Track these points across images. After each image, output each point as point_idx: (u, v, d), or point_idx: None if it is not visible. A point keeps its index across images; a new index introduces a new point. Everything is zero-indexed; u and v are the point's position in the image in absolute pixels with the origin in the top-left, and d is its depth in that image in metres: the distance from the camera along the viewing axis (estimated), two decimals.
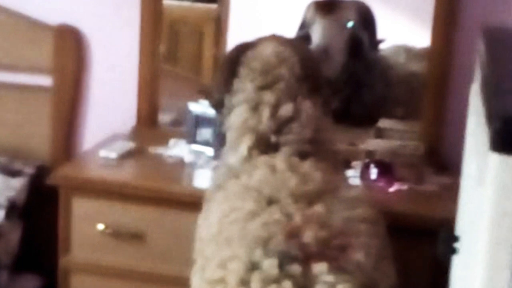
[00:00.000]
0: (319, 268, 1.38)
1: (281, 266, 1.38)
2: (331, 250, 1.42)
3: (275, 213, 1.52)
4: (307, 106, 1.82)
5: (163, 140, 2.50)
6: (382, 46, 2.64)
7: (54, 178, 2.27)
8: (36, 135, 2.67)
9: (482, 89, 1.22)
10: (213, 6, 2.84)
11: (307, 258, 1.39)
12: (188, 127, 2.43)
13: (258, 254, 1.41)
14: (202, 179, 2.16)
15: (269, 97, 1.81)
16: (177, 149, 2.44)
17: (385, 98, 2.63)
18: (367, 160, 2.34)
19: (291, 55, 1.87)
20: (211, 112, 2.22)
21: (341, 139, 2.26)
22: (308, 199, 1.58)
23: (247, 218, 1.54)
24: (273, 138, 1.77)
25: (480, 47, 1.46)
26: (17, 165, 2.55)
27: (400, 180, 2.26)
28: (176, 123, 2.71)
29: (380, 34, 2.60)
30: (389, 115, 2.60)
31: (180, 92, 2.83)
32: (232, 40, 2.55)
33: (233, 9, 2.73)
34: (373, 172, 2.28)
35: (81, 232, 2.25)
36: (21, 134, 2.68)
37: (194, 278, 1.61)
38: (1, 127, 2.69)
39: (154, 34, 2.62)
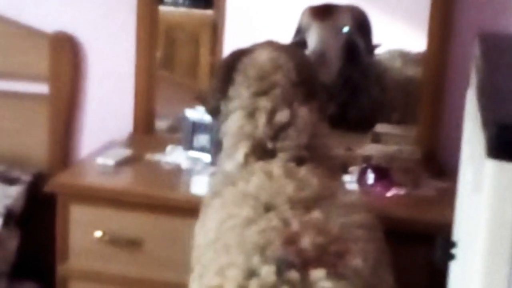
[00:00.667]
0: (317, 274, 1.38)
1: (279, 272, 1.38)
2: (329, 256, 1.42)
3: (272, 220, 1.52)
4: (303, 112, 1.82)
5: (160, 147, 2.50)
6: (377, 51, 2.64)
7: (51, 185, 2.27)
8: (33, 142, 2.67)
9: (478, 95, 1.22)
10: (209, 12, 2.84)
11: (305, 264, 1.39)
12: (185, 134, 2.43)
13: (256, 261, 1.41)
14: (199, 186, 2.16)
15: (265, 103, 1.81)
16: (174, 155, 2.44)
17: (381, 102, 2.64)
18: (364, 165, 2.34)
19: (286, 61, 1.87)
20: (207, 118, 2.23)
21: (337, 145, 2.26)
22: (305, 205, 1.58)
23: (244, 225, 1.54)
24: (269, 144, 1.78)
25: (476, 53, 1.46)
26: (14, 173, 2.55)
27: (397, 185, 2.26)
28: (173, 129, 2.71)
29: (375, 39, 2.61)
30: (386, 120, 2.60)
31: (176, 98, 2.83)
32: (228, 46, 2.55)
33: (229, 15, 2.73)
34: (370, 177, 2.28)
35: (79, 239, 2.25)
36: (18, 141, 2.68)
37: (192, 285, 1.61)
38: None
39: (150, 40, 2.62)
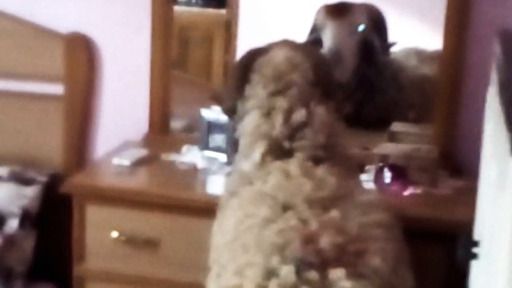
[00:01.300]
0: (337, 274, 1.37)
1: (298, 272, 1.37)
2: (348, 256, 1.41)
3: (290, 220, 1.52)
4: (320, 111, 1.81)
5: (175, 147, 2.50)
6: (393, 49, 2.63)
7: (67, 186, 2.27)
8: (49, 143, 2.67)
9: (500, 93, 1.21)
10: (223, 11, 2.84)
11: (324, 264, 1.38)
12: (201, 134, 2.42)
13: (275, 261, 1.41)
14: (215, 186, 2.16)
15: (281, 103, 1.80)
16: (190, 155, 2.44)
17: (397, 101, 2.62)
18: (380, 164, 2.32)
19: (303, 61, 1.87)
20: (223, 118, 2.22)
21: (354, 144, 2.25)
22: (323, 204, 1.57)
23: (263, 225, 1.53)
24: (286, 144, 1.77)
25: (496, 50, 1.45)
26: (30, 174, 2.56)
27: (414, 183, 2.25)
28: (188, 129, 2.71)
29: (391, 37, 2.59)
30: (402, 119, 2.59)
31: (190, 98, 2.82)
32: (242, 45, 2.55)
33: (243, 14, 2.72)
34: (387, 176, 2.27)
35: (95, 240, 2.25)
36: (33, 142, 2.69)
37: (209, 285, 1.61)
38: (14, 136, 2.70)
39: (165, 40, 2.62)
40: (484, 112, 1.74)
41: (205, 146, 2.40)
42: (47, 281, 2.56)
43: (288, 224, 1.50)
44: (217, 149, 2.37)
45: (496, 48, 1.45)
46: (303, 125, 1.78)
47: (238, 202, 1.70)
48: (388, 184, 2.25)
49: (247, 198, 1.68)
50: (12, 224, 2.39)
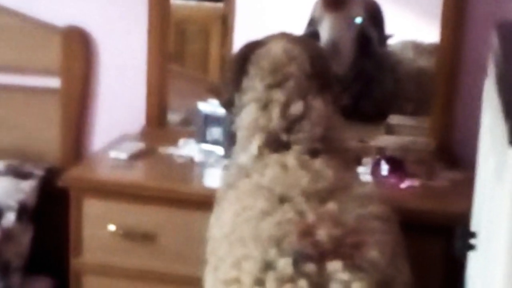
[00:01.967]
0: (334, 266, 1.37)
1: (295, 265, 1.37)
2: (345, 248, 1.41)
3: (288, 212, 1.52)
4: (318, 104, 1.81)
5: (172, 140, 2.50)
6: (390, 42, 2.63)
7: (64, 179, 2.27)
8: (45, 137, 2.67)
9: (497, 85, 1.21)
10: (220, 5, 2.83)
11: (321, 256, 1.38)
12: (198, 127, 2.42)
13: (272, 253, 1.41)
14: (212, 179, 2.15)
15: (279, 95, 1.80)
16: (187, 148, 2.44)
17: (394, 94, 2.63)
18: (377, 157, 2.33)
19: (300, 53, 1.87)
20: (220, 111, 2.22)
21: (351, 136, 2.24)
22: (320, 197, 1.57)
23: (260, 217, 1.53)
24: (283, 137, 1.77)
25: (494, 43, 1.45)
26: (27, 168, 2.55)
27: (411, 176, 2.25)
28: (185, 122, 2.71)
29: (388, 29, 2.59)
30: (399, 111, 2.59)
31: (188, 91, 2.82)
32: (239, 39, 2.54)
33: (240, 7, 2.72)
34: (384, 169, 2.27)
35: (92, 233, 2.25)
36: (30, 136, 2.68)
37: (207, 278, 1.61)
38: (11, 129, 2.69)
39: (162, 34, 2.62)
40: (481, 105, 1.74)
41: (202, 139, 2.40)
42: (44, 275, 2.56)
43: (285, 216, 1.50)
44: (214, 142, 2.37)
45: (494, 41, 1.45)
46: (301, 117, 1.78)
47: (235, 195, 1.70)
48: (385, 177, 2.25)
49: (244, 190, 1.68)
50: (9, 218, 2.38)
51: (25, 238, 2.44)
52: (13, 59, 2.68)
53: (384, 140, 2.48)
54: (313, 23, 2.56)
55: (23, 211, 2.42)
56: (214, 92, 2.19)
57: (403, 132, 2.52)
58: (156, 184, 2.24)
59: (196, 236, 1.88)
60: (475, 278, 1.42)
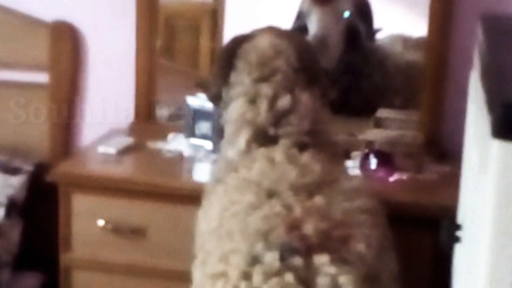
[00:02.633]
0: (321, 259, 1.37)
1: (282, 258, 1.38)
2: (332, 242, 1.42)
3: (275, 206, 1.52)
4: (305, 98, 1.81)
5: (161, 135, 2.50)
6: (378, 36, 2.63)
7: (53, 175, 2.27)
8: (34, 132, 2.66)
9: (482, 77, 1.22)
10: None
11: (308, 250, 1.39)
12: (186, 121, 2.42)
13: (259, 247, 1.41)
14: (201, 173, 2.16)
15: (266, 89, 1.80)
16: (176, 143, 2.44)
17: (383, 87, 2.63)
18: (366, 150, 2.33)
19: (287, 47, 1.87)
20: (209, 105, 2.22)
21: (339, 130, 2.26)
22: (308, 191, 1.57)
23: (247, 211, 1.53)
24: (271, 131, 1.77)
25: (479, 35, 1.45)
26: (16, 163, 2.55)
27: (400, 169, 2.26)
28: (174, 117, 2.70)
29: (376, 23, 2.59)
30: (388, 105, 2.59)
31: (177, 86, 2.82)
32: (229, 33, 2.54)
33: (229, 2, 2.72)
34: (373, 162, 2.27)
35: (82, 228, 2.25)
36: (19, 131, 2.67)
37: (195, 272, 1.61)
38: None
39: (151, 28, 2.61)
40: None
41: (191, 133, 2.40)
42: (34, 270, 2.56)
43: (272, 210, 1.51)
44: (203, 137, 2.37)
45: (479, 33, 1.45)
46: (288, 111, 1.78)
47: (223, 189, 1.70)
48: (374, 170, 2.26)
49: (232, 185, 1.68)
50: None
51: (14, 233, 2.44)
52: (1, 54, 2.67)
53: (372, 134, 2.49)
54: (301, 17, 2.56)
55: (12, 207, 2.41)
56: (202, 86, 2.19)
57: (391, 125, 2.53)
58: (145, 179, 2.24)
59: (185, 231, 1.88)
60: (461, 269, 1.43)
